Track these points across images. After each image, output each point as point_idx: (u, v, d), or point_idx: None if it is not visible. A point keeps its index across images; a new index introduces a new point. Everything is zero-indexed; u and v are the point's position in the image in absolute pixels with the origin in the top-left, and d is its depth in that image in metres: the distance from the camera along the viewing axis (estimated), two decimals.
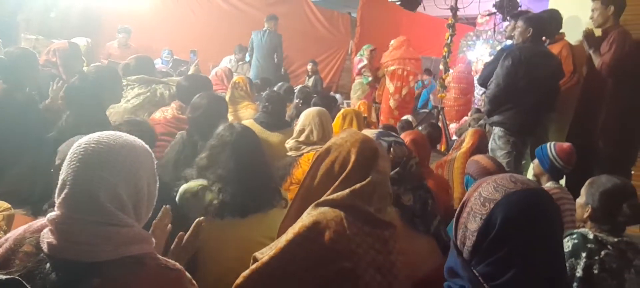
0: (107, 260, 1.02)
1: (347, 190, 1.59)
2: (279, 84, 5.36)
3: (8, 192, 2.48)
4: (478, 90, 6.53)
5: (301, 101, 4.40)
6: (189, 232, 1.49)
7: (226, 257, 1.83)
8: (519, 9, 4.74)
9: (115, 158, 1.08)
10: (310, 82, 8.40)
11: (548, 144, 2.83)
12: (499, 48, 9.16)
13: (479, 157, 2.53)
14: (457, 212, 1.34)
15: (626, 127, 3.51)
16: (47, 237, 1.03)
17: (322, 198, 1.63)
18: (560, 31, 4.02)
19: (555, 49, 3.94)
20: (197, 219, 1.51)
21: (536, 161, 2.85)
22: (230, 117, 3.55)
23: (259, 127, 3.24)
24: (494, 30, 5.64)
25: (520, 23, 3.64)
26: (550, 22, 3.91)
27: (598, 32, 3.63)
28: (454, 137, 5.20)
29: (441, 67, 5.47)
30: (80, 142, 1.09)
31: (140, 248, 1.08)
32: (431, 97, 8.97)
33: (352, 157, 1.66)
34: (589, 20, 3.76)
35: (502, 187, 1.19)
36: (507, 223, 1.15)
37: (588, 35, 3.60)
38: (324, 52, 9.57)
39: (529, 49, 3.57)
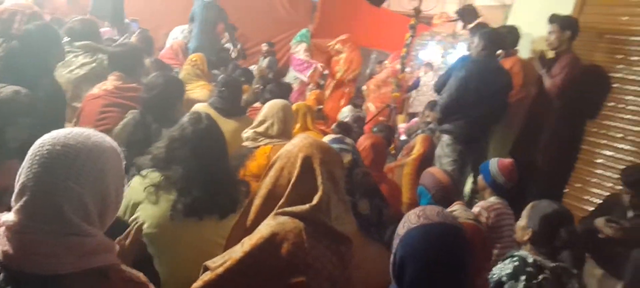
0: (68, 273, 0.96)
1: (307, 205, 1.59)
2: (234, 66, 5.25)
3: None
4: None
5: (260, 86, 4.33)
6: (129, 239, 1.41)
7: (185, 260, 1.79)
8: (479, 19, 4.87)
9: (83, 165, 1.00)
10: (264, 63, 8.28)
11: (491, 160, 2.95)
12: (451, 50, 9.48)
13: (434, 170, 2.60)
14: None
15: (566, 149, 3.72)
16: (2, 244, 0.96)
17: (282, 209, 1.63)
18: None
19: (507, 63, 4.09)
20: (137, 224, 1.44)
21: (480, 176, 2.97)
22: None
23: (214, 112, 3.16)
24: (454, 35, 5.77)
25: (477, 38, 3.74)
26: (506, 36, 4.05)
27: (550, 54, 3.80)
28: (403, 137, 5.30)
29: (398, 66, 5.54)
30: (44, 143, 1.00)
31: (104, 259, 1.03)
32: None
33: (298, 163, 1.66)
34: (540, 39, 3.94)
35: (407, 223, 1.29)
36: (402, 259, 1.26)
37: (541, 56, 3.76)
38: (282, 33, 9.40)
39: (482, 63, 3.69)
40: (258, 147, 2.86)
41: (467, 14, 5.05)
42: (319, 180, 1.63)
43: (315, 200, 1.60)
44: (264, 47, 8.44)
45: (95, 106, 2.89)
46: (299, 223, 1.58)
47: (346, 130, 3.98)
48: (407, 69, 6.50)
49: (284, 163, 1.70)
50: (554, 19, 3.73)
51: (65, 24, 3.74)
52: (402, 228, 1.24)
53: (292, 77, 6.57)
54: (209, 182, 1.83)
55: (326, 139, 2.11)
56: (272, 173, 1.73)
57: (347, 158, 1.97)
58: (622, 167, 3.36)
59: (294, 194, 1.64)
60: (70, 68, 3.33)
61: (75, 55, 3.39)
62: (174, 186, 1.80)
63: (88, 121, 2.85)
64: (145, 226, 1.79)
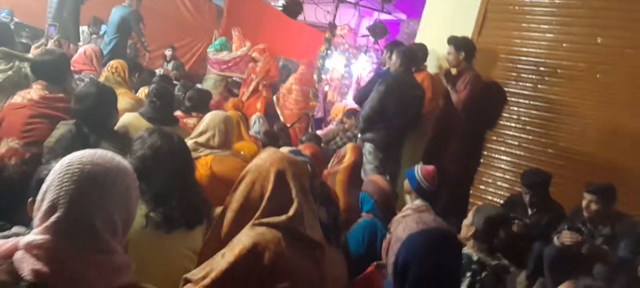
0: None
1: (284, 216, 1.68)
2: (149, 73, 5.08)
3: None
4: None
5: (181, 94, 4.27)
6: None
7: (154, 272, 1.78)
8: (388, 36, 5.24)
9: (113, 182, 1.03)
10: (169, 66, 8.08)
11: (415, 167, 3.23)
12: (353, 61, 9.96)
13: (376, 178, 2.80)
14: (387, 242, 1.57)
15: (470, 155, 4.16)
16: (31, 264, 0.94)
17: (258, 220, 1.70)
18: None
19: (419, 77, 4.46)
20: None
21: (406, 180, 3.24)
22: None
23: (146, 123, 3.09)
24: (366, 50, 6.11)
25: (394, 55, 4.06)
26: (418, 54, 4.42)
27: (454, 70, 4.22)
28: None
29: (315, 77, 5.75)
30: (72, 161, 1.02)
31: (128, 276, 1.06)
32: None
33: (272, 177, 1.77)
34: (445, 56, 4.36)
35: (407, 228, 1.45)
36: (406, 261, 1.42)
37: (446, 73, 4.16)
38: (186, 37, 9.26)
39: (400, 78, 4.01)
40: (199, 157, 2.86)
41: (379, 30, 5.42)
42: (294, 192, 1.74)
43: (291, 212, 1.70)
44: (168, 51, 8.27)
45: (20, 117, 2.70)
46: (276, 232, 1.67)
47: (274, 139, 4.08)
48: (315, 77, 6.72)
49: (255, 177, 1.78)
50: (450, 40, 4.16)
51: None
52: (402, 233, 1.39)
53: (211, 83, 6.40)
54: (181, 195, 1.86)
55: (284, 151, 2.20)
56: (242, 187, 1.80)
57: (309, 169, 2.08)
58: (519, 171, 3.86)
59: (269, 207, 1.72)
60: None
61: None
62: (143, 200, 1.80)
63: (11, 132, 2.66)
64: None
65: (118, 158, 1.10)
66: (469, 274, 2.13)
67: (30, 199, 1.50)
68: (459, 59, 4.09)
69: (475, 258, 2.20)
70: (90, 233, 0.99)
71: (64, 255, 0.96)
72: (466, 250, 2.26)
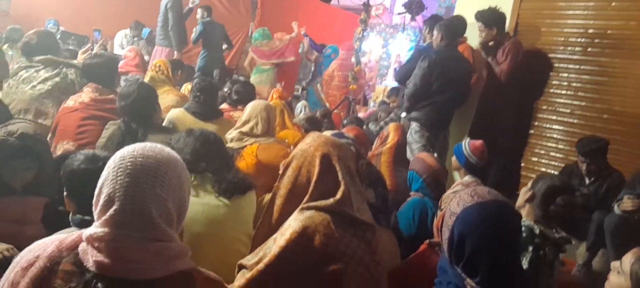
0: (158, 277, 1.01)
1: (332, 199, 1.68)
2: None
3: None
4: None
5: (227, 90, 4.32)
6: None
7: (212, 259, 1.85)
8: (424, 11, 5.11)
9: (165, 173, 1.06)
10: None
11: (463, 142, 3.16)
12: (390, 41, 9.82)
13: (424, 156, 2.76)
14: (439, 219, 1.53)
15: (519, 126, 4.03)
16: (94, 255, 0.99)
17: (307, 204, 1.71)
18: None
19: (459, 49, 4.34)
20: None
21: (454, 157, 3.17)
22: None
23: (191, 117, 3.16)
24: (403, 28, 6.01)
25: (436, 30, 3.96)
26: (459, 26, 4.30)
27: (492, 42, 4.06)
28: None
29: (353, 60, 5.70)
30: (124, 156, 1.05)
31: (186, 262, 1.09)
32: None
33: (317, 161, 1.76)
34: None
35: (462, 202, 1.39)
36: (461, 236, 1.35)
37: (484, 45, 4.02)
38: None
39: (443, 52, 3.91)
40: (244, 146, 2.90)
41: (415, 6, 5.30)
42: (340, 175, 1.73)
43: (339, 195, 1.70)
44: None
45: (73, 120, 2.82)
46: (325, 215, 1.67)
47: (316, 124, 4.08)
48: (353, 60, 6.66)
49: (301, 163, 1.78)
50: (477, 17, 4.01)
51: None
52: (457, 207, 1.35)
53: (264, 75, 6.45)
54: (231, 169, 2.16)
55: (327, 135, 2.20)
56: (289, 173, 1.81)
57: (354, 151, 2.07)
58: (573, 139, 3.70)
59: (317, 191, 1.72)
60: (32, 83, 3.19)
61: (36, 70, 3.24)
62: (208, 180, 2.06)
63: (66, 135, 2.78)
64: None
65: (167, 150, 1.12)
66: (531, 248, 2.02)
67: (65, 193, 1.57)
68: (492, 34, 3.96)
69: (537, 231, 2.05)
70: (147, 223, 1.02)
71: (123, 246, 1.00)
72: (527, 221, 2.11)
